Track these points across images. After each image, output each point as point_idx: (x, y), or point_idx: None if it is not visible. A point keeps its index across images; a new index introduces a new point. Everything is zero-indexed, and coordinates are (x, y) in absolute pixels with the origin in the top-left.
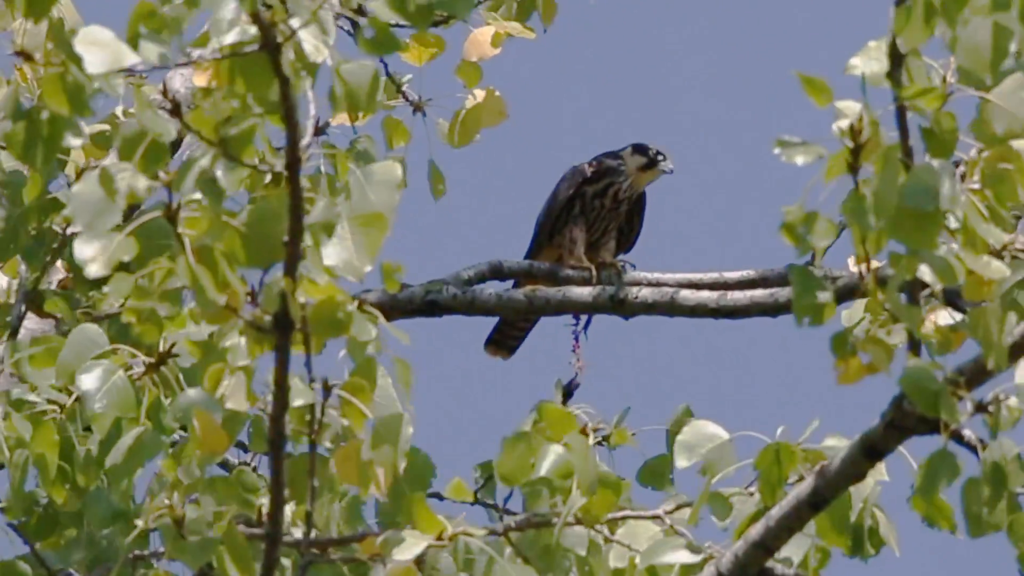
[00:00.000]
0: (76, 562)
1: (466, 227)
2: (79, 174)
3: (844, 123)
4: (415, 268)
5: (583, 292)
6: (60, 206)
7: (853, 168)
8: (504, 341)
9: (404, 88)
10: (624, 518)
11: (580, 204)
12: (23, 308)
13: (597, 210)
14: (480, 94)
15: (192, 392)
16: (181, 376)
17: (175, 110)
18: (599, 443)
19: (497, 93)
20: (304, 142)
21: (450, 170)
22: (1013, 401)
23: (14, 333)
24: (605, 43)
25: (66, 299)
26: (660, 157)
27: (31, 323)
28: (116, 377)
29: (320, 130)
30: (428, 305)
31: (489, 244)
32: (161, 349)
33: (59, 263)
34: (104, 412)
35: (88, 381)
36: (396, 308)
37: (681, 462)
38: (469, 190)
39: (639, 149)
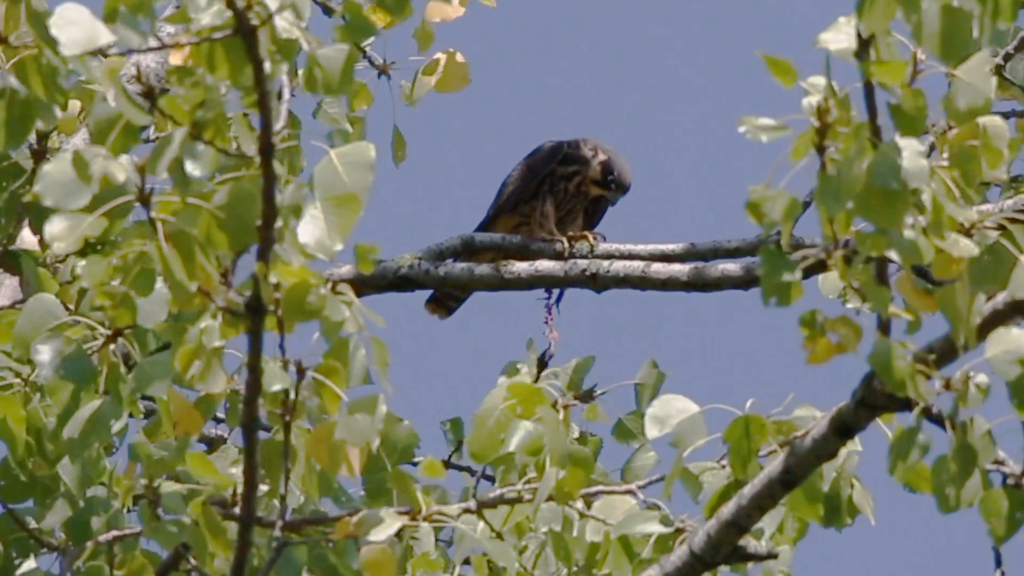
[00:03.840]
0: (54, 523)
1: (434, 197)
2: (40, 138)
3: (813, 100)
4: (384, 241)
5: (555, 266)
6: (22, 171)
7: (819, 147)
8: (443, 301)
9: (368, 51)
10: (598, 493)
11: (549, 182)
12: None
13: (562, 192)
14: (443, 57)
15: (151, 361)
16: (136, 346)
17: (148, 92)
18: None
19: (460, 58)
20: (278, 126)
21: (417, 138)
22: (982, 379)
23: None
24: (574, 9)
25: (34, 256)
26: (612, 186)
27: (8, 283)
28: (72, 349)
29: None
30: (400, 280)
31: (457, 214)
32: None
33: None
34: (58, 384)
35: (43, 352)
36: (368, 283)
37: (652, 432)
38: (435, 159)
39: (606, 168)
